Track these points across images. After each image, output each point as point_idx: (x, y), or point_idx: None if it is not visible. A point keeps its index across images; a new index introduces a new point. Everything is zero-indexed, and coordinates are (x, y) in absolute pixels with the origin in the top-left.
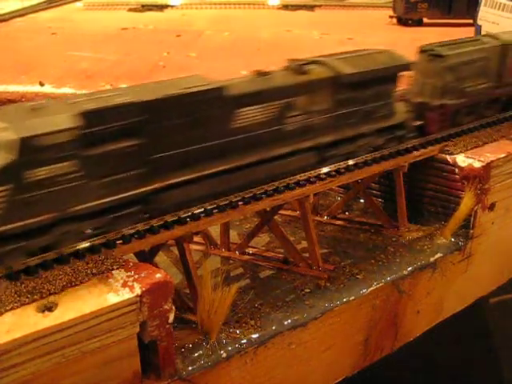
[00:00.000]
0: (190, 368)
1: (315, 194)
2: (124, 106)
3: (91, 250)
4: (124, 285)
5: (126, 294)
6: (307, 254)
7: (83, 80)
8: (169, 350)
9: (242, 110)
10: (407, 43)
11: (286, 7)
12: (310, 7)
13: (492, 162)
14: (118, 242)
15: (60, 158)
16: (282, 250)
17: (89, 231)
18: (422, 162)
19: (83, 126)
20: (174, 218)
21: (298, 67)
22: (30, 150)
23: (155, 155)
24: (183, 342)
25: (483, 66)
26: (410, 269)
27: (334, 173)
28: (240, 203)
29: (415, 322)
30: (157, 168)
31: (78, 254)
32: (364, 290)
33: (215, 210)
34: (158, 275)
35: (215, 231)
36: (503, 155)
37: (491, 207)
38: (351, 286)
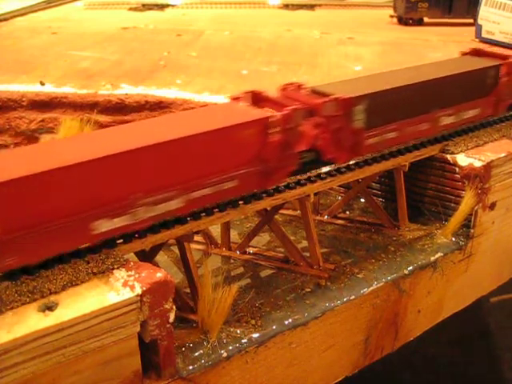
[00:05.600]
0: (190, 367)
1: (316, 194)
2: None
3: (92, 249)
4: (125, 284)
5: (126, 294)
6: (308, 254)
7: (84, 79)
8: (169, 350)
9: None
10: (407, 43)
11: (286, 6)
12: (311, 6)
13: (492, 161)
14: (118, 241)
15: None
16: (282, 250)
17: None
18: (422, 161)
19: None
20: (175, 218)
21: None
22: None
23: None
24: (184, 342)
25: None
26: (410, 268)
27: (334, 172)
28: (240, 202)
29: (416, 321)
30: None
31: (79, 254)
32: (364, 290)
33: (216, 210)
34: (159, 275)
35: (216, 231)
36: (504, 154)
37: (492, 207)
38: (352, 286)
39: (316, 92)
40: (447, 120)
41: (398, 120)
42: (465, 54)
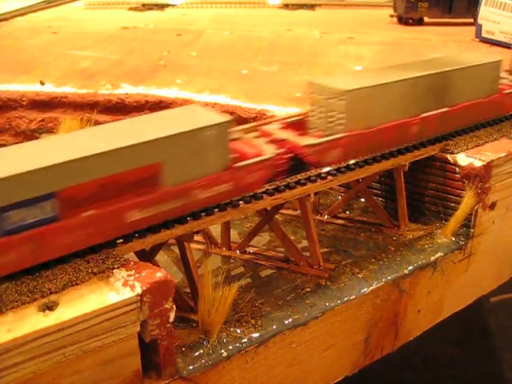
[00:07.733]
0: (190, 367)
1: (316, 193)
2: None
3: (92, 249)
4: (125, 284)
5: (126, 293)
6: (308, 253)
7: (84, 79)
8: (169, 349)
9: None
10: (407, 42)
11: (286, 6)
12: (311, 6)
13: (493, 161)
14: (118, 241)
15: None
16: (282, 249)
17: None
18: (422, 161)
19: None
20: (175, 217)
21: None
22: None
23: None
24: (184, 341)
25: None
26: (410, 268)
27: (334, 172)
28: (240, 202)
29: (416, 321)
30: None
31: (79, 253)
32: (365, 289)
33: (216, 209)
34: (159, 274)
35: (216, 230)
36: (504, 154)
37: (492, 206)
38: (352, 285)
39: None
40: None
41: None
42: None
